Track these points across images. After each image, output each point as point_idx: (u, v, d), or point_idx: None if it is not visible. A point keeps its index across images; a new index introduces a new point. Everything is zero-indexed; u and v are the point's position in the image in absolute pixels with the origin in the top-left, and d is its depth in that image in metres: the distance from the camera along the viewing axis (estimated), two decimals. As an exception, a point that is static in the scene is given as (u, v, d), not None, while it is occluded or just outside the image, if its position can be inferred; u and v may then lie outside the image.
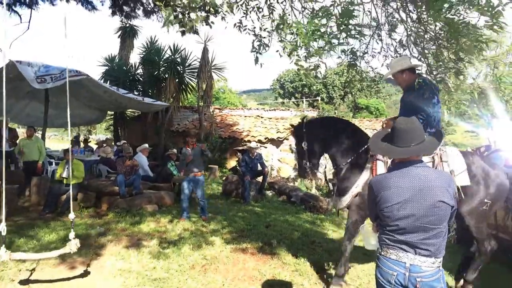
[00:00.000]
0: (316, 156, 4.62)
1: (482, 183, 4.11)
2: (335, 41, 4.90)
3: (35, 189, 8.22)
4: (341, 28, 4.72)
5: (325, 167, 4.85)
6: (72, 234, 4.24)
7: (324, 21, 4.66)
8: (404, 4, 4.96)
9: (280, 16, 4.43)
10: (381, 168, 4.23)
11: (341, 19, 4.58)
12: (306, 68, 4.34)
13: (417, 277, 2.23)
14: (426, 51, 5.56)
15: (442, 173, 2.39)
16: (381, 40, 5.94)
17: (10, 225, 6.28)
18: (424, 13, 4.56)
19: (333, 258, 5.30)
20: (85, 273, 4.58)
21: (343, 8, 4.53)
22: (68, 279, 4.45)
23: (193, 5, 3.88)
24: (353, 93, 34.89)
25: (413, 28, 5.20)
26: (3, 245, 4.03)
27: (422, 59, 5.73)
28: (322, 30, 4.63)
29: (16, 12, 10.75)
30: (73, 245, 4.20)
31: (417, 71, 4.51)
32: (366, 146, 4.34)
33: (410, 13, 5.07)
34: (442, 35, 4.70)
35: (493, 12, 3.64)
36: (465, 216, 4.10)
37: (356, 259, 5.28)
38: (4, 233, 3.98)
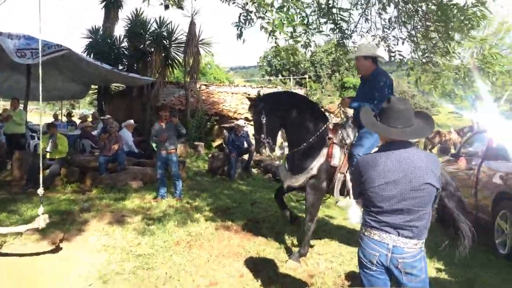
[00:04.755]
0: (274, 130, 4.50)
1: None
2: (314, 27, 4.85)
3: (17, 164, 8.08)
4: (323, 12, 4.67)
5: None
6: (41, 210, 4.14)
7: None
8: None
9: None
10: (337, 152, 4.30)
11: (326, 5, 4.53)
12: (285, 49, 4.32)
13: (398, 258, 2.25)
14: (414, 32, 5.54)
15: (429, 155, 2.37)
16: (369, 19, 5.90)
17: (-9, 200, 6.21)
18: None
19: (317, 236, 5.37)
20: (67, 248, 4.55)
21: None
22: (51, 252, 4.42)
23: None
24: (340, 72, 34.82)
25: (403, 8, 5.17)
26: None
27: (409, 40, 5.72)
28: (302, 14, 4.58)
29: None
30: (42, 220, 4.10)
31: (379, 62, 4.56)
32: (324, 127, 4.35)
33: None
34: (432, 15, 4.69)
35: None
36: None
37: (339, 237, 5.37)
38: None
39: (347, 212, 2.98)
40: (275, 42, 4.12)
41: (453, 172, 6.49)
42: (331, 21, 5.07)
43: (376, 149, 4.33)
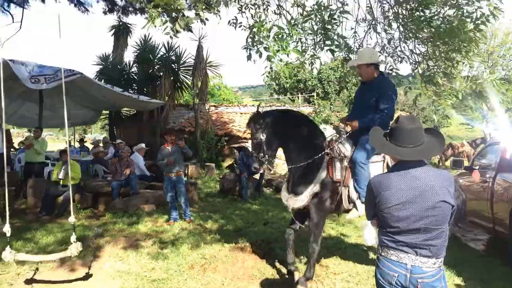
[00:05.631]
0: (273, 148, 4.38)
1: None
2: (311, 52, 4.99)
3: (32, 191, 8.18)
4: (323, 40, 4.80)
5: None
6: (73, 237, 4.22)
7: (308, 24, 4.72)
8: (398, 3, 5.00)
9: (255, 22, 4.47)
10: (337, 166, 4.26)
11: (323, 31, 4.66)
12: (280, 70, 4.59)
13: (418, 278, 2.20)
14: (416, 49, 5.59)
15: (443, 173, 2.34)
16: (378, 33, 5.97)
17: (7, 228, 6.26)
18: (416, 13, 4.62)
19: (332, 254, 5.31)
20: (84, 276, 4.56)
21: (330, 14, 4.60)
22: (67, 281, 4.43)
23: (181, 8, 3.91)
24: (348, 88, 34.85)
25: (405, 28, 5.26)
26: (8, 246, 4.07)
27: (410, 56, 5.77)
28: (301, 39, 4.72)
29: (7, 11, 10.55)
30: (74, 248, 4.18)
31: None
32: (324, 145, 4.36)
33: (403, 11, 5.10)
34: (432, 36, 4.75)
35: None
36: None
37: (355, 256, 5.28)
38: (8, 234, 4.07)
39: (362, 233, 2.91)
40: (270, 68, 4.28)
41: (467, 185, 6.41)
42: (327, 47, 5.19)
43: (380, 157, 4.36)
